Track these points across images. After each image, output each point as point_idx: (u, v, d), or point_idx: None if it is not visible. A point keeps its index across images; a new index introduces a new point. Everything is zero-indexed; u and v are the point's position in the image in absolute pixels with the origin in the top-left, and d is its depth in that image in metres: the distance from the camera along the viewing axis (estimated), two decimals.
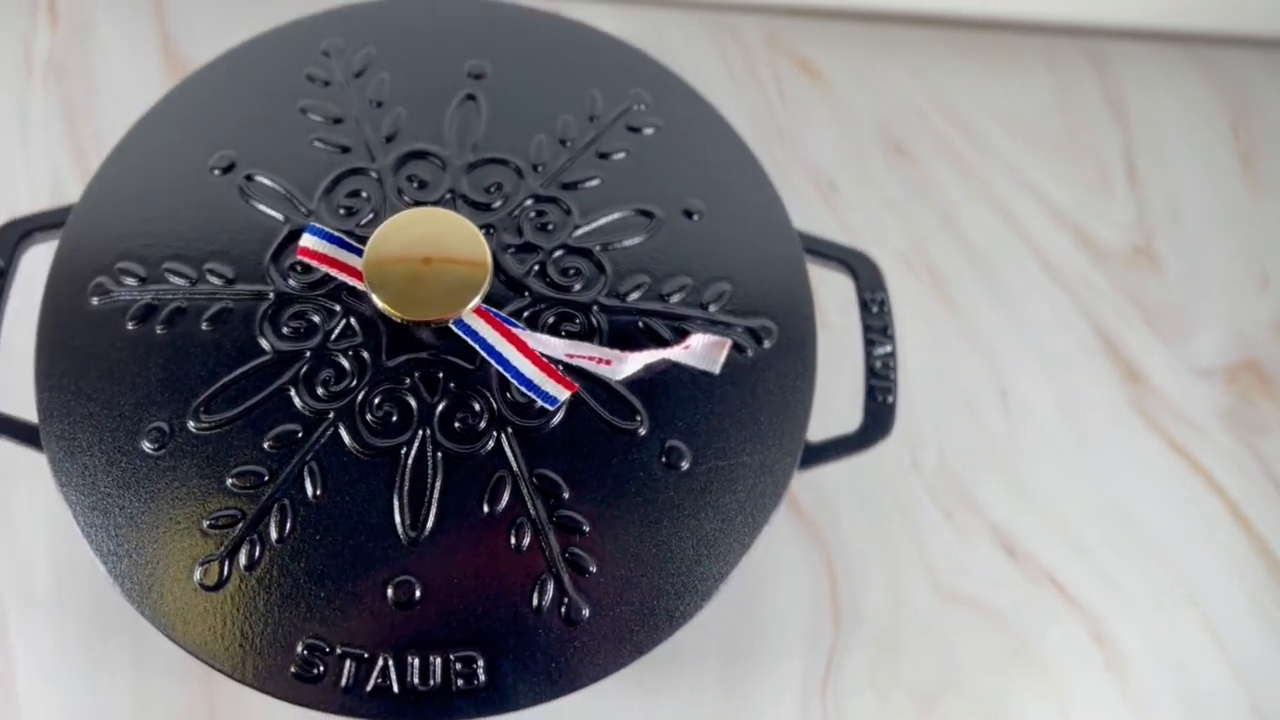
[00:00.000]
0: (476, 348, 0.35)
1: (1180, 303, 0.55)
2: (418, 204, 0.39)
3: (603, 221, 0.39)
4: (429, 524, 0.35)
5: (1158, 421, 0.53)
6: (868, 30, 0.60)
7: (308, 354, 0.37)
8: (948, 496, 0.51)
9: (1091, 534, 0.50)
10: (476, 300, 0.35)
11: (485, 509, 0.35)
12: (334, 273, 0.36)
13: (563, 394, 0.35)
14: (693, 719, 0.46)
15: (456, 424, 0.36)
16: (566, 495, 0.36)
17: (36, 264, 0.41)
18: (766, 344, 0.39)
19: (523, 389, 0.36)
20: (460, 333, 0.35)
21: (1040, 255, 0.56)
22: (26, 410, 0.38)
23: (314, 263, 0.36)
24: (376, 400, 0.36)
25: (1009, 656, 0.48)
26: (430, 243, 0.35)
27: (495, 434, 0.36)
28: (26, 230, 0.41)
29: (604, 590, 0.36)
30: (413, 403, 0.36)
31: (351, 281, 0.36)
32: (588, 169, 0.40)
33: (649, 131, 0.41)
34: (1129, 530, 0.50)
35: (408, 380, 0.37)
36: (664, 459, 0.37)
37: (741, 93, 0.57)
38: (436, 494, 0.35)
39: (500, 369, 0.36)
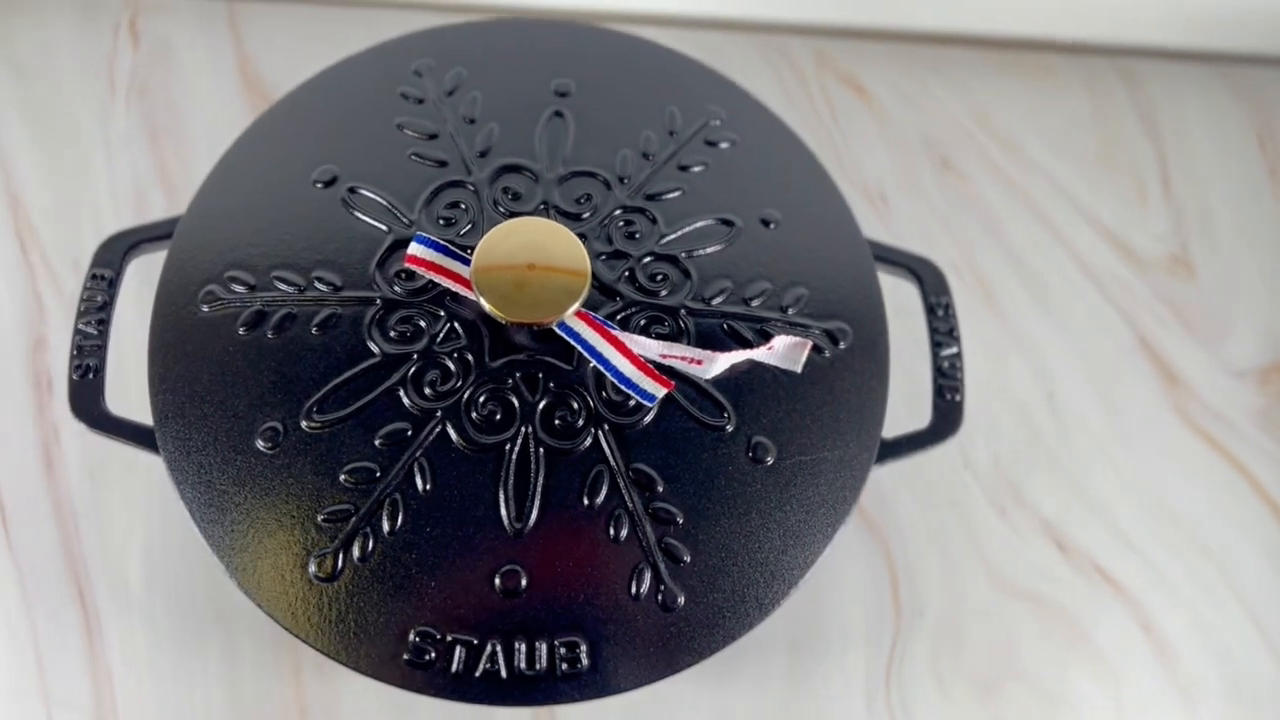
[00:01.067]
0: (579, 348, 0.38)
1: (1215, 308, 0.58)
2: (513, 215, 0.41)
3: (686, 230, 0.42)
4: (533, 516, 0.37)
5: (1196, 421, 0.55)
6: (912, 50, 0.62)
7: (415, 356, 0.39)
8: (1001, 494, 0.53)
9: (1137, 528, 0.52)
10: (578, 304, 0.37)
11: (585, 501, 0.37)
12: (441, 280, 0.38)
13: (660, 391, 0.38)
14: (762, 708, 0.48)
15: (556, 421, 0.38)
16: (661, 488, 0.38)
17: (138, 274, 0.43)
18: (842, 345, 0.41)
19: (621, 386, 0.38)
20: (563, 334, 0.37)
21: (1081, 263, 0.58)
22: (138, 413, 0.40)
23: (421, 270, 0.38)
24: (481, 399, 0.38)
25: (1064, 645, 0.50)
26: (533, 250, 0.38)
27: (593, 430, 0.38)
28: (134, 242, 0.43)
29: (698, 579, 0.37)
30: (515, 401, 0.38)
31: (458, 288, 0.38)
32: (670, 181, 0.42)
33: (725, 145, 0.44)
34: (1172, 524, 0.53)
35: (510, 380, 0.39)
36: (751, 454, 0.39)
37: (794, 109, 0.59)
38: (540, 488, 0.37)
39: (601, 368, 0.38)
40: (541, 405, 0.38)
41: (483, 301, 0.37)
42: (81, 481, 0.49)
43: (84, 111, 0.55)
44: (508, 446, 0.38)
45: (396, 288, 0.40)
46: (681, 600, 0.37)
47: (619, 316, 0.40)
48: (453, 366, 0.39)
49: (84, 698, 0.46)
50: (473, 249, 0.37)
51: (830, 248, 0.43)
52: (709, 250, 0.41)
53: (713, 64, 0.46)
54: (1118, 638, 0.50)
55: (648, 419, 0.39)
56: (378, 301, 0.39)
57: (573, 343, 0.37)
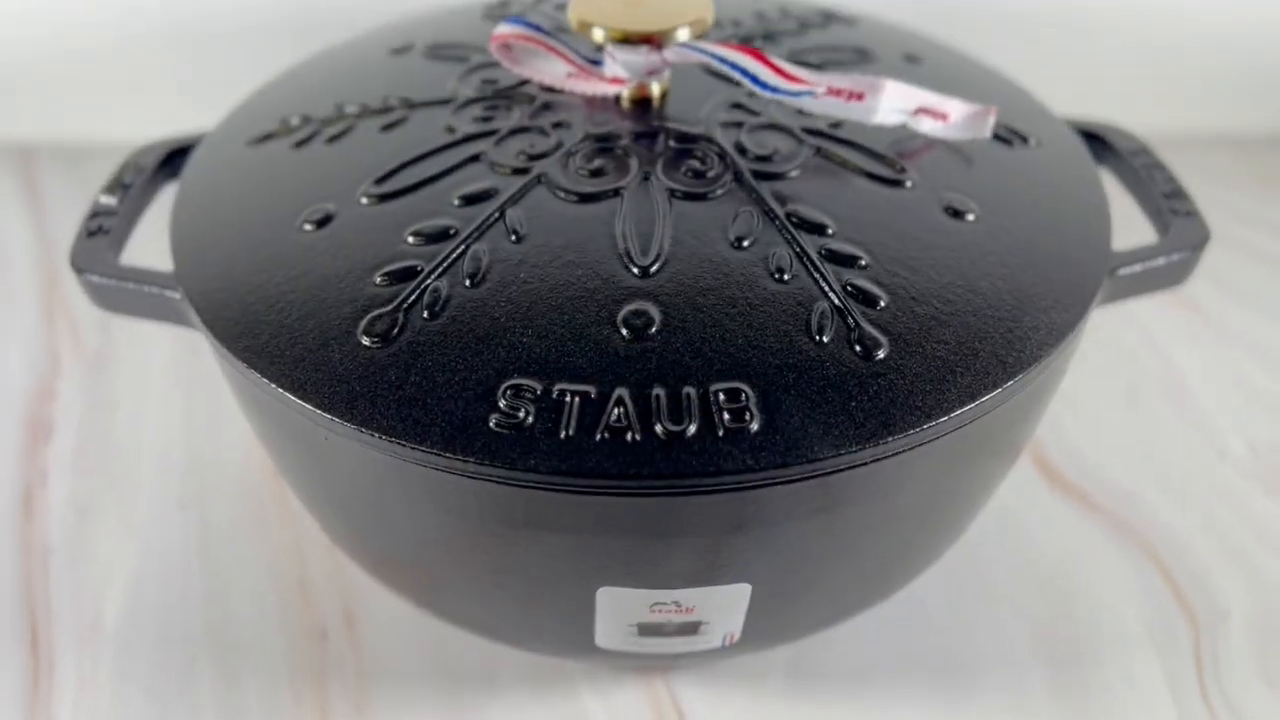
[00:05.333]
0: (705, 58, 0.30)
1: None
2: None
3: (820, 44, 0.36)
4: (663, 255, 0.27)
5: None
6: None
7: (503, 130, 0.31)
8: (1277, 481, 0.39)
9: None
10: (701, 20, 0.30)
11: (733, 242, 0.27)
12: (532, 48, 0.32)
13: (815, 89, 0.29)
14: None
15: (684, 170, 0.29)
16: (832, 230, 0.28)
17: None
18: (1033, 142, 0.33)
19: (758, 90, 0.30)
20: (687, 51, 0.30)
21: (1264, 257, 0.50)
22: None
23: (511, 45, 0.32)
24: (588, 154, 0.30)
25: None
26: None
27: (732, 177, 0.29)
28: (174, 148, 0.36)
29: (905, 325, 0.26)
30: (629, 156, 0.30)
31: (553, 43, 0.31)
32: (791, 27, 0.37)
33: (845, 20, 0.39)
34: None
35: (621, 139, 0.30)
36: (947, 209, 0.29)
37: None
38: (668, 228, 0.28)
39: (733, 71, 0.30)
40: (664, 159, 0.30)
41: (588, 19, 0.30)
42: (65, 519, 0.38)
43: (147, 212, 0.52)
44: (623, 192, 0.29)
45: (479, 92, 0.33)
46: (885, 349, 0.26)
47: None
48: (549, 134, 0.31)
49: None
50: None
51: (991, 82, 0.36)
52: (846, 65, 0.35)
53: None
54: None
55: (799, 172, 0.30)
56: (458, 100, 0.33)
57: (698, 55, 0.30)
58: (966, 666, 0.34)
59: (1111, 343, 0.45)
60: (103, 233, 0.33)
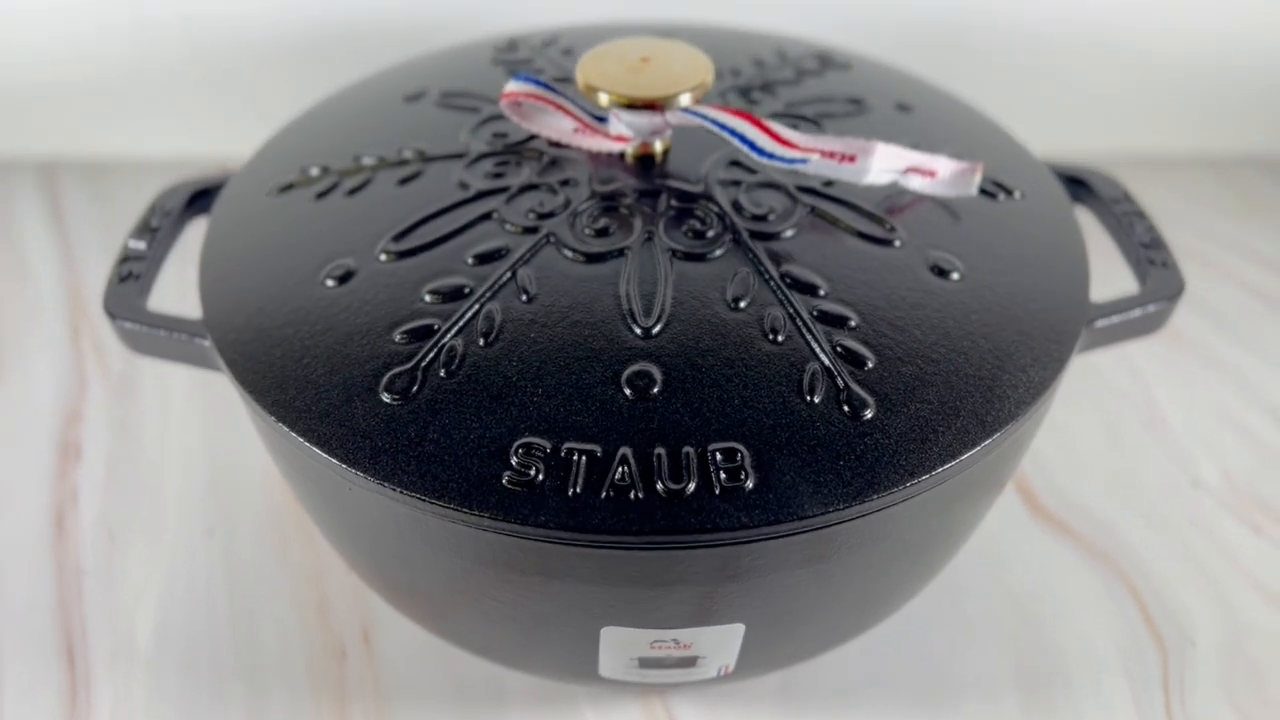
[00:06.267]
0: (705, 124, 0.32)
1: None
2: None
3: (814, 96, 0.37)
4: (665, 315, 0.29)
5: None
6: None
7: (513, 188, 0.33)
8: (1249, 510, 0.41)
9: None
10: (702, 84, 0.32)
11: (730, 303, 0.29)
12: (540, 106, 0.34)
13: (809, 156, 0.31)
14: None
15: (685, 230, 0.31)
16: (824, 291, 0.30)
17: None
18: (1017, 195, 0.35)
19: (756, 157, 0.32)
20: (688, 117, 0.32)
21: (1262, 296, 0.51)
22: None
23: (520, 102, 0.34)
24: (594, 213, 0.32)
25: None
26: (647, 50, 0.33)
27: (730, 237, 0.31)
28: (198, 190, 0.38)
29: (891, 385, 0.28)
30: (633, 216, 0.31)
31: (561, 117, 0.33)
32: (788, 75, 0.39)
33: (840, 65, 0.40)
34: None
35: (626, 199, 0.32)
36: (932, 268, 0.31)
37: None
38: (669, 289, 0.29)
39: (730, 138, 0.31)
40: (666, 218, 0.31)
41: (593, 83, 0.32)
42: (97, 540, 0.40)
43: None
44: (627, 252, 0.30)
45: (490, 146, 0.35)
46: (872, 409, 0.27)
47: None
48: (557, 192, 0.32)
49: None
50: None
51: (979, 130, 0.38)
52: (840, 118, 0.37)
53: None
54: None
55: (793, 232, 0.31)
56: (470, 154, 0.34)
57: (698, 119, 0.32)
58: (946, 688, 0.36)
59: (1092, 370, 0.47)
60: (133, 278, 0.34)
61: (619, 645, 0.30)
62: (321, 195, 0.34)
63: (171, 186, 0.38)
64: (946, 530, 0.32)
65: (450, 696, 0.36)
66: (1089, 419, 0.45)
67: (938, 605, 0.38)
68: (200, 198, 0.38)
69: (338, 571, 0.39)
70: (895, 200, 0.33)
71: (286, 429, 0.28)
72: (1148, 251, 0.36)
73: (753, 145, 0.31)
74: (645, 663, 0.31)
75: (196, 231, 0.38)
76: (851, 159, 0.32)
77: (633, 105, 0.32)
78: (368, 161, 0.35)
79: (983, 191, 0.34)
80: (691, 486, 0.26)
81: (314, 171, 0.35)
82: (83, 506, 0.41)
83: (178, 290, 0.41)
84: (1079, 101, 0.60)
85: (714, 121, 0.31)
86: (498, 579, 0.28)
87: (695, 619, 0.29)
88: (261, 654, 0.37)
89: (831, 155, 0.32)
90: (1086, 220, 0.37)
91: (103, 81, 0.58)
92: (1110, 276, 0.38)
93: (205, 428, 0.44)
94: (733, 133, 0.31)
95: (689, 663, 0.31)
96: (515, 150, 0.34)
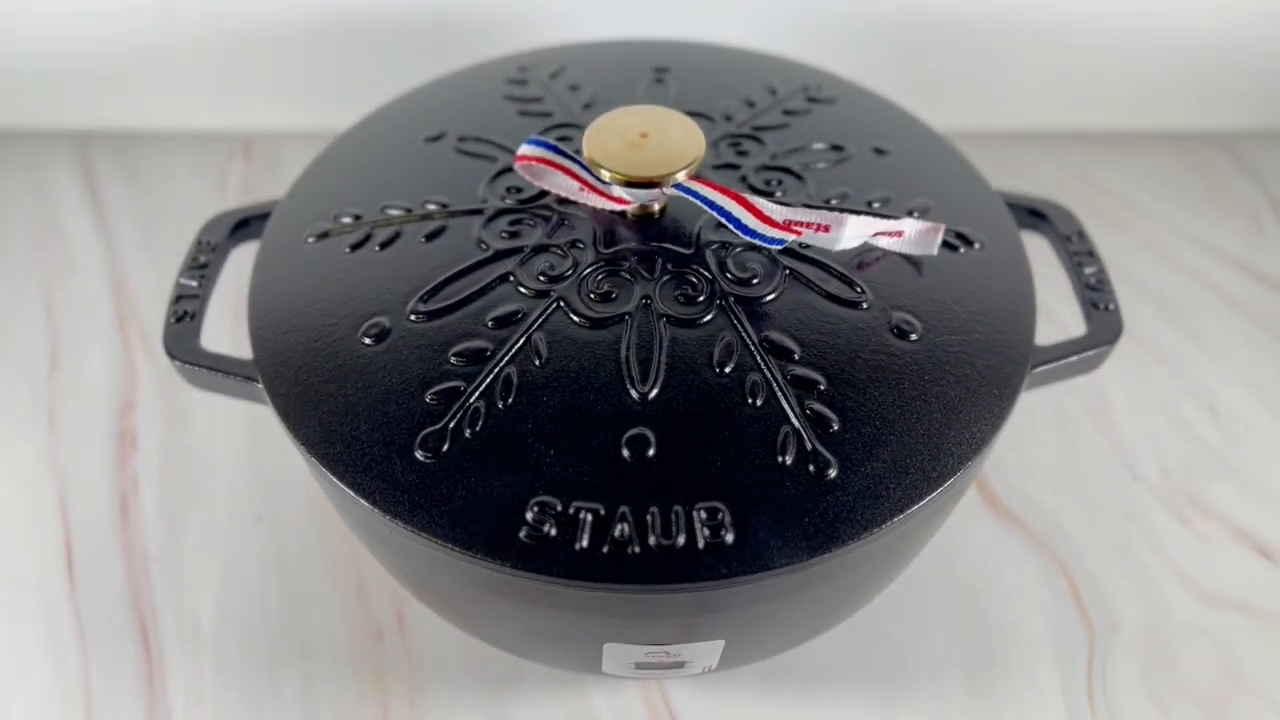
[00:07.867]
0: (698, 202, 0.35)
1: None
2: None
3: (798, 147, 0.41)
4: (659, 382, 0.33)
5: None
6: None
7: (526, 249, 0.37)
8: (1181, 504, 0.46)
9: None
10: (696, 159, 0.36)
11: (715, 367, 0.33)
12: (550, 169, 0.37)
13: (786, 237, 0.35)
14: None
15: (678, 295, 0.35)
16: (798, 355, 0.34)
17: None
18: (977, 245, 0.39)
19: (742, 235, 0.35)
20: (681, 193, 0.36)
21: (1216, 290, 0.55)
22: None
23: (531, 165, 0.37)
24: (598, 278, 0.36)
25: None
26: (645, 124, 0.37)
27: (717, 303, 0.35)
28: (240, 219, 0.42)
29: (851, 446, 0.33)
30: (632, 280, 0.36)
31: (568, 180, 0.37)
32: (775, 119, 0.42)
33: (826, 101, 0.44)
34: None
35: (625, 263, 0.36)
36: (894, 330, 0.35)
37: None
38: (664, 354, 0.34)
39: (720, 217, 0.35)
40: (661, 282, 0.36)
41: (597, 159, 0.35)
42: (158, 527, 0.45)
43: (194, 209, 0.57)
44: (627, 318, 0.35)
45: (506, 200, 0.38)
46: (835, 468, 0.32)
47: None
48: (565, 255, 0.36)
49: None
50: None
51: (948, 173, 0.42)
52: (822, 165, 0.40)
53: None
54: None
55: (773, 295, 0.35)
56: (488, 210, 0.38)
57: (691, 198, 0.36)
58: (902, 670, 0.42)
59: None
60: (188, 317, 0.39)
61: (619, 654, 0.35)
62: (355, 247, 0.38)
63: (214, 218, 0.42)
64: (902, 552, 0.37)
65: (475, 675, 0.41)
66: (1041, 411, 0.50)
67: (899, 596, 0.44)
68: (241, 227, 0.42)
69: (373, 559, 0.44)
70: (865, 256, 0.37)
71: (335, 480, 0.33)
72: (1092, 294, 0.40)
73: (739, 224, 0.35)
74: (642, 665, 0.37)
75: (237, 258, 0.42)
76: (826, 229, 0.36)
77: (632, 183, 0.35)
78: (394, 213, 0.39)
79: (945, 244, 0.38)
80: (681, 541, 0.31)
81: (346, 220, 0.39)
82: (143, 494, 0.46)
83: (215, 310, 0.45)
84: (1047, 79, 0.63)
85: (706, 201, 0.35)
86: (514, 607, 0.34)
87: (682, 638, 0.34)
88: (309, 637, 0.42)
89: (809, 227, 0.36)
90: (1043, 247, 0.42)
91: (132, 57, 0.61)
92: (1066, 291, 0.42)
93: (247, 419, 0.49)
94: (721, 211, 0.35)
95: (678, 665, 0.37)
96: (527, 207, 0.38)
